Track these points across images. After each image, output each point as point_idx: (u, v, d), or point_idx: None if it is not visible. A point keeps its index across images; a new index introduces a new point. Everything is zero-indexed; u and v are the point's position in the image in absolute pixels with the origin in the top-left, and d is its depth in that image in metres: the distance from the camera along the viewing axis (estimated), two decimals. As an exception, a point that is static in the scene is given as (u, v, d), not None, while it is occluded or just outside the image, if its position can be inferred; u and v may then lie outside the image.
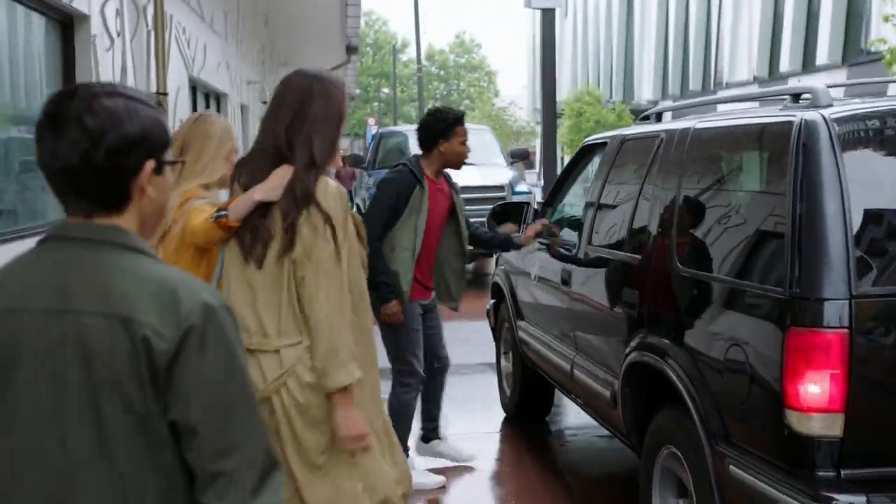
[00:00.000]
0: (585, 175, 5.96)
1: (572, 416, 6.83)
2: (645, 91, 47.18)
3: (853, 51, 28.40)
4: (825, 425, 2.99)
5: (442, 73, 71.22)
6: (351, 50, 25.12)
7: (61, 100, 1.65)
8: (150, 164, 1.67)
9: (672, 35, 43.61)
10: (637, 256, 4.30)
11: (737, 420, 3.38)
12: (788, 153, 3.25)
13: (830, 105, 3.36)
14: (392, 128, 19.52)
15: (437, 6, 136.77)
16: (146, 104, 1.69)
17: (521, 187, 14.36)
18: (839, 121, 3.22)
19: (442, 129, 5.28)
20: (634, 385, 4.23)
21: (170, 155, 1.75)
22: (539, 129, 62.13)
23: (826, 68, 29.42)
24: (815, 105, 3.43)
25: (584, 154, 5.87)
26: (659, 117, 5.16)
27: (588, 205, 5.21)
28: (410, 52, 68.41)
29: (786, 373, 3.04)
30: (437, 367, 5.57)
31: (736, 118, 3.94)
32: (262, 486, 1.61)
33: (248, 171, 3.21)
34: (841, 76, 27.83)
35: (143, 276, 1.62)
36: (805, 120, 3.27)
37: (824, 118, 3.23)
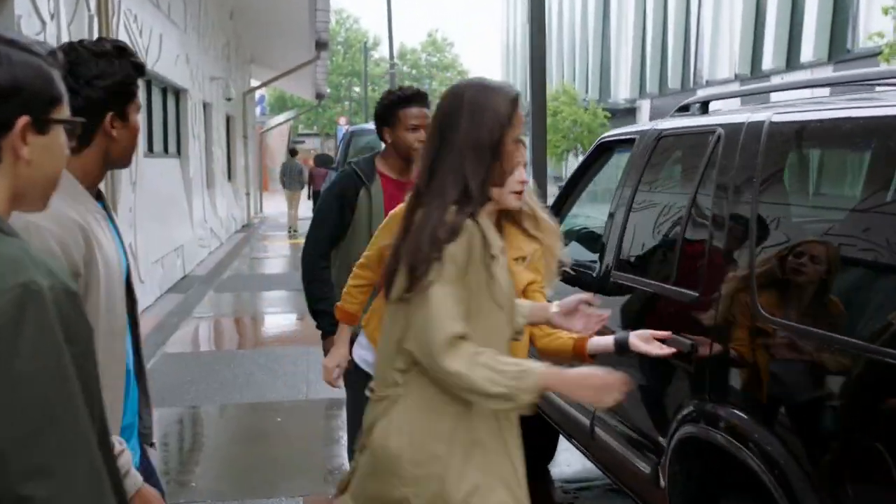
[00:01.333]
0: (602, 178, 4.95)
1: (578, 462, 5.81)
2: (622, 90, 46.45)
3: (839, 48, 27.67)
4: None
5: (414, 72, 70.50)
6: (321, 46, 24.29)
7: None
8: (23, 121, 1.50)
9: (650, 32, 42.89)
10: (691, 293, 3.29)
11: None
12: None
13: None
14: (362, 125, 18.45)
15: (409, 4, 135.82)
16: (27, 50, 1.52)
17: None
18: None
19: (383, 114, 4.29)
20: (689, 464, 3.22)
21: (62, 112, 1.58)
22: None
23: (811, 66, 28.72)
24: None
25: (601, 153, 4.85)
26: (705, 107, 4.14)
27: (612, 217, 4.20)
28: (381, 51, 67.71)
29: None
30: None
31: (836, 108, 2.93)
32: None
33: None
34: (827, 74, 27.07)
35: None
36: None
37: None
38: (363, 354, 3.90)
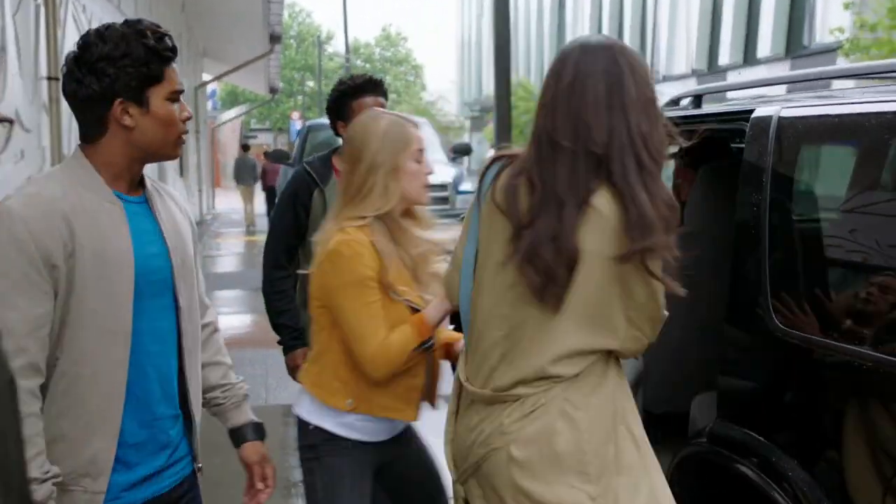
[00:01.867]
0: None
1: None
2: (577, 84, 46.26)
3: (796, 43, 27.67)
4: None
5: (368, 66, 69.79)
6: (274, 39, 23.87)
7: None
8: None
9: (606, 27, 42.74)
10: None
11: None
12: None
13: None
14: (321, 120, 18.00)
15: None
16: None
17: (465, 186, 13.12)
18: None
19: (335, 107, 3.96)
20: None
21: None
22: (468, 123, 61.67)
23: (768, 61, 28.68)
24: None
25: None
26: (698, 101, 3.84)
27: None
28: (334, 45, 67.13)
29: None
30: None
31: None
32: None
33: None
34: (784, 69, 27.13)
35: None
36: None
37: None
38: None
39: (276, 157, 15.93)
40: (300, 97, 64.95)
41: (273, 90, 35.80)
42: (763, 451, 2.61)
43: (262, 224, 21.24)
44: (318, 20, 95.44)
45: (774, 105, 3.01)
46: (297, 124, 38.66)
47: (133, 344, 2.27)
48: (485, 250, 2.38)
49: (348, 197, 2.87)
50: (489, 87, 59.88)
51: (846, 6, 16.85)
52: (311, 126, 16.82)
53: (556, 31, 49.85)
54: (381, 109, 3.22)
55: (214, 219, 26.88)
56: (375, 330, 2.75)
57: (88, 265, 2.19)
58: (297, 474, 5.56)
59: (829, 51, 24.00)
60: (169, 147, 2.35)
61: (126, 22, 2.32)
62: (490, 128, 42.82)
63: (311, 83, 63.55)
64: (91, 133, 2.32)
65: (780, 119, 2.89)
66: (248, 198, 23.72)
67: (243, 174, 24.08)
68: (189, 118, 2.36)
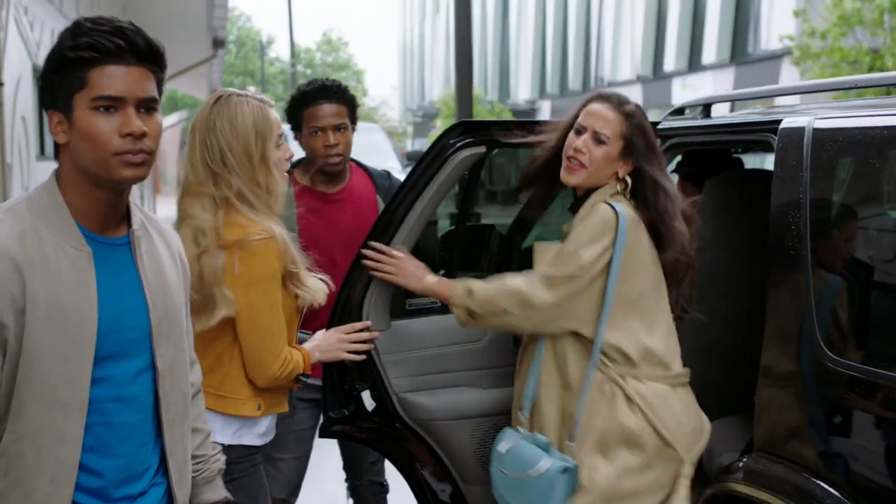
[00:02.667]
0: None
1: None
2: (522, 90, 46.28)
3: (741, 50, 27.84)
4: None
5: (309, 71, 69.63)
6: (218, 44, 23.49)
7: None
8: None
9: (550, 32, 42.78)
10: None
11: None
12: None
13: None
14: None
15: (302, 3, 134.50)
16: None
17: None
18: None
19: (291, 119, 3.63)
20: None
21: None
22: (411, 129, 61.39)
23: (713, 67, 28.84)
24: None
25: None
26: (707, 111, 3.61)
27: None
28: (275, 50, 66.76)
29: None
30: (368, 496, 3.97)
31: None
32: None
33: None
34: (729, 76, 27.28)
35: None
36: None
37: None
38: None
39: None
40: (241, 103, 64.42)
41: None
42: (819, 493, 2.39)
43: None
44: (257, 25, 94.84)
45: (803, 116, 2.85)
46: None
47: (92, 416, 1.90)
48: None
49: None
50: (432, 92, 59.75)
51: (796, 14, 16.87)
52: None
53: (500, 37, 49.82)
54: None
55: (156, 227, 26.35)
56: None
57: (41, 324, 1.83)
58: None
59: (775, 57, 24.18)
60: (105, 168, 1.90)
61: (81, 17, 1.98)
62: (433, 134, 42.60)
63: (252, 88, 63.09)
64: (55, 154, 1.98)
65: (816, 131, 2.71)
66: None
67: (186, 181, 23.64)
68: (133, 133, 1.89)
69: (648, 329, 2.80)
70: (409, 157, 13.90)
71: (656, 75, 32.65)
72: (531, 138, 3.13)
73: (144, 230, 2.05)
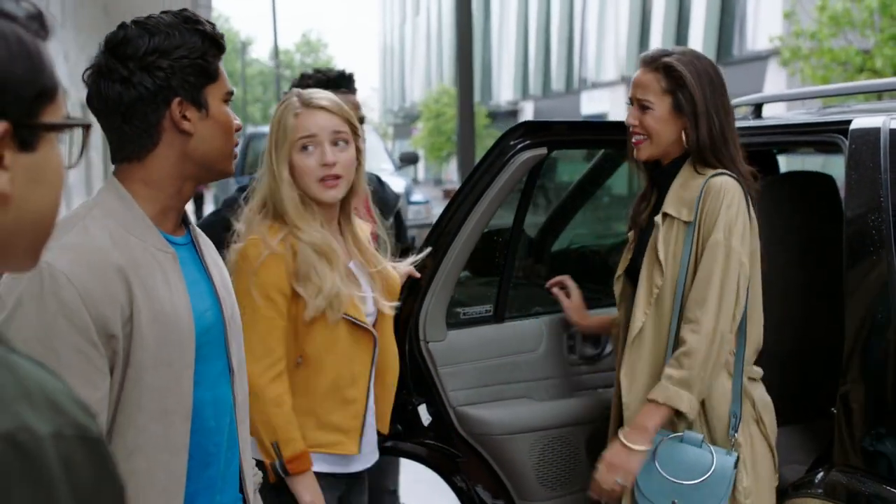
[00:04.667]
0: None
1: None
2: (504, 91, 46.28)
3: (726, 50, 27.89)
4: None
5: (288, 72, 69.65)
6: (201, 45, 23.33)
7: None
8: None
9: (533, 33, 42.78)
10: None
11: None
12: None
13: None
14: (264, 128, 17.26)
15: (282, 4, 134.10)
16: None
17: (416, 196, 12.74)
18: None
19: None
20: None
21: (57, 112, 0.96)
22: (391, 130, 61.34)
23: (698, 68, 28.83)
24: None
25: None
26: (759, 111, 3.49)
27: None
28: (254, 51, 66.61)
29: None
30: None
31: None
32: None
33: None
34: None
35: None
36: None
37: None
38: None
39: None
40: (220, 104, 64.58)
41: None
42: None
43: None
44: (236, 26, 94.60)
45: (874, 116, 2.75)
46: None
47: (193, 423, 1.84)
48: None
49: None
50: (413, 94, 59.68)
51: (786, 15, 16.86)
52: (253, 135, 15.55)
53: (482, 38, 49.85)
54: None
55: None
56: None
57: (146, 331, 1.75)
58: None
59: (760, 59, 24.22)
60: (227, 160, 1.93)
61: (166, 11, 1.89)
62: (420, 135, 42.51)
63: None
64: (137, 148, 1.84)
65: (894, 132, 2.61)
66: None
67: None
68: (240, 129, 1.95)
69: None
70: (402, 160, 13.73)
71: (641, 76, 32.63)
72: (591, 137, 3.02)
73: (197, 230, 2.03)
